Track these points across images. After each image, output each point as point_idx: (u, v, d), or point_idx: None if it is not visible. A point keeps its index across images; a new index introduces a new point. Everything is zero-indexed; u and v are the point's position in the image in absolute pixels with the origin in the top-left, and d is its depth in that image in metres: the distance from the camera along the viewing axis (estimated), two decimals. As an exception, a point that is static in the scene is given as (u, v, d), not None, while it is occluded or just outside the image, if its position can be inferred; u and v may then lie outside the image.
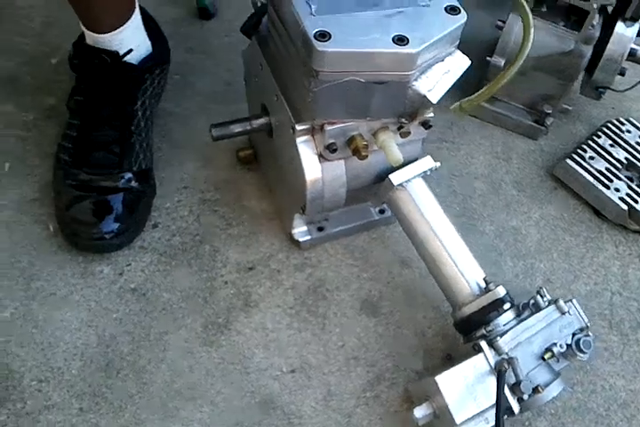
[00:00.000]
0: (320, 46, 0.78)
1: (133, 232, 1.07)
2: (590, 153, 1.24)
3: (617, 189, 1.20)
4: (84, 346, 0.99)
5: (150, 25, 1.13)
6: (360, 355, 1.03)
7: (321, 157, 0.93)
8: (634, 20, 1.17)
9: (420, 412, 0.89)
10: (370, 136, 0.92)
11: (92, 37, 1.05)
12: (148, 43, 1.12)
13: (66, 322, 1.01)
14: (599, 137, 1.28)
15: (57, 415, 0.94)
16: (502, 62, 1.20)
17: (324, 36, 0.79)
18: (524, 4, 0.89)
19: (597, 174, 1.21)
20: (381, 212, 1.14)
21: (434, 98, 0.86)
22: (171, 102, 1.25)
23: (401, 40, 0.80)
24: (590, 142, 1.27)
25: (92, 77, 1.05)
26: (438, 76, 0.86)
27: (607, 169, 1.22)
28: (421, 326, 1.06)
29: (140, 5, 1.09)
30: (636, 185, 1.21)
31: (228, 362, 1.00)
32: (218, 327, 1.03)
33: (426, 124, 0.95)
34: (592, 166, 1.22)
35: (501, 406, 0.85)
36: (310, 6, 0.81)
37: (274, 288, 1.07)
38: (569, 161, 1.23)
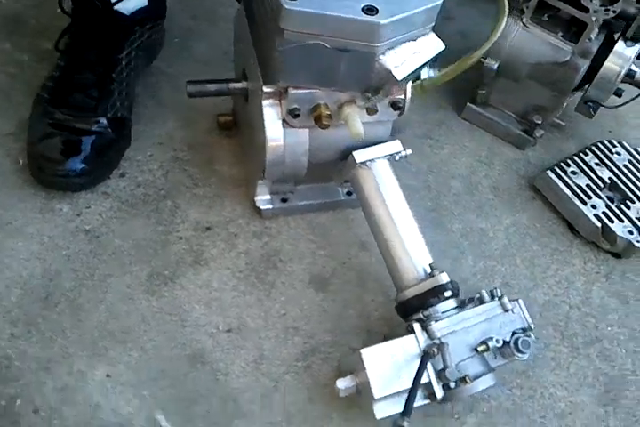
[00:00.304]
0: (288, 4, 0.80)
1: (98, 176, 1.09)
2: (573, 168, 1.24)
3: (594, 206, 1.19)
4: (28, 276, 1.01)
5: None
6: (300, 326, 1.03)
7: (285, 122, 0.95)
8: (635, 40, 1.17)
9: (342, 383, 0.89)
10: (336, 108, 0.93)
11: None
12: (145, -4, 1.15)
13: (16, 251, 1.03)
14: (586, 154, 1.27)
15: (-13, 337, 0.96)
16: (495, 65, 1.20)
17: None
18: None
19: (576, 189, 1.21)
20: (349, 194, 1.14)
21: (399, 75, 0.86)
22: (165, 62, 1.28)
23: (370, 10, 0.81)
24: (576, 158, 1.26)
25: (82, 21, 1.08)
26: (407, 55, 0.87)
27: (587, 186, 1.22)
28: (368, 308, 1.07)
29: None
30: (616, 206, 1.20)
31: (166, 312, 1.01)
32: (163, 279, 1.04)
33: (395, 106, 0.96)
34: (572, 181, 1.22)
35: (417, 386, 0.85)
36: None
37: (227, 250, 1.09)
38: (549, 172, 1.23)
